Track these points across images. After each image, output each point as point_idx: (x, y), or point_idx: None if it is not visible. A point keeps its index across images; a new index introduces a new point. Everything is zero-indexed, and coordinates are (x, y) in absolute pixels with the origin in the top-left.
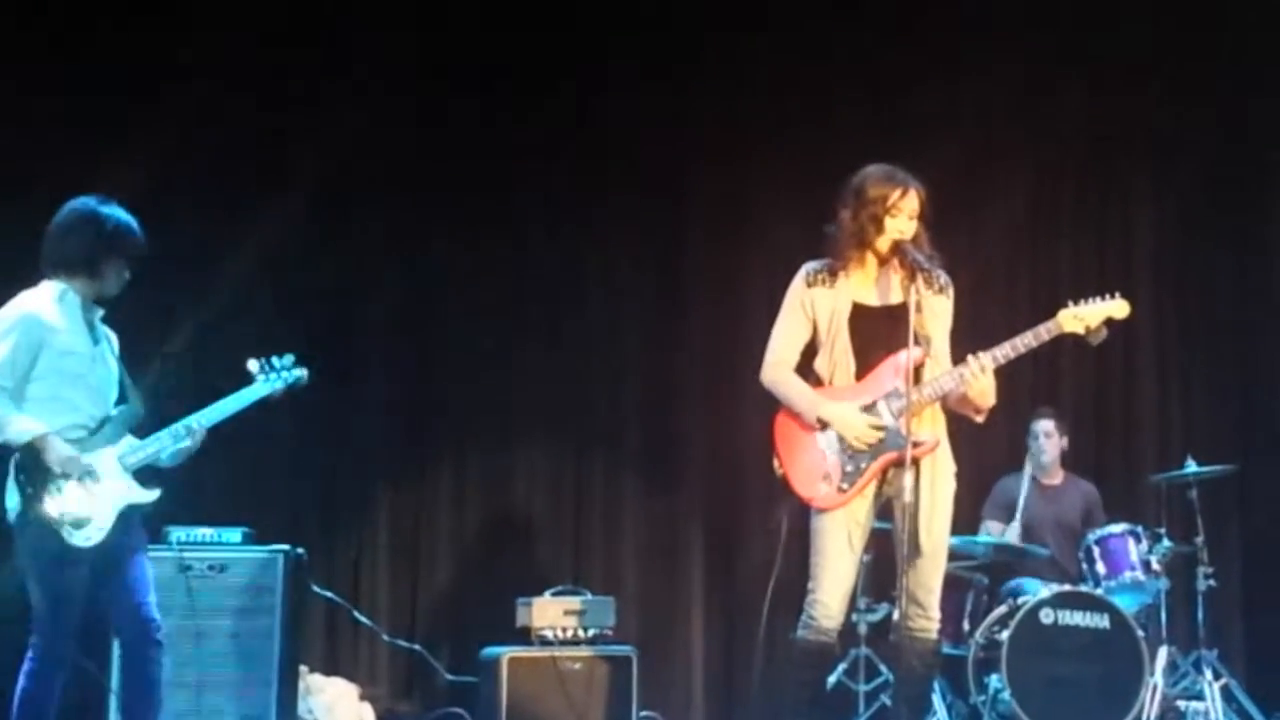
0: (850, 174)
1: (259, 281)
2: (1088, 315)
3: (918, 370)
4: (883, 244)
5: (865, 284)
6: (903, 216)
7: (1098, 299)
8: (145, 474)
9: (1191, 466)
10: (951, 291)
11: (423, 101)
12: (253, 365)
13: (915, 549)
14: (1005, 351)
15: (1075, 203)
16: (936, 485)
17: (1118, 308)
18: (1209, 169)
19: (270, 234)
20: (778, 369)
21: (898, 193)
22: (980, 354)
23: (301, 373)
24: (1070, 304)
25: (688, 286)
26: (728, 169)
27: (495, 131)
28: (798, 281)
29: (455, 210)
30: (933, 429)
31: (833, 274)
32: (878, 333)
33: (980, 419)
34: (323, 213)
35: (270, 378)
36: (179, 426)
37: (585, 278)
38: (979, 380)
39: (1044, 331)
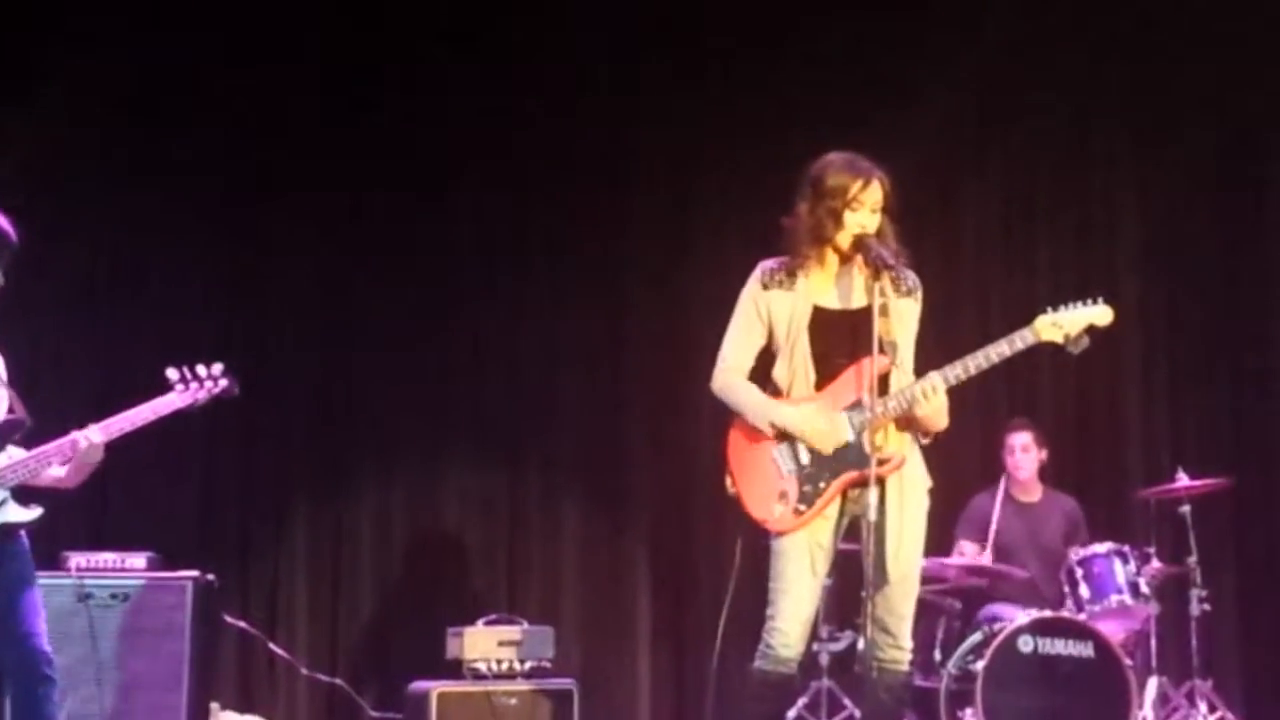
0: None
1: (169, 286)
2: (1068, 322)
3: (883, 380)
4: (843, 240)
5: (826, 285)
6: (864, 210)
7: (1078, 304)
8: (28, 493)
9: (1183, 480)
10: (920, 294)
11: (339, 103)
12: (172, 374)
13: (884, 573)
14: (959, 371)
15: (1053, 201)
16: (906, 504)
17: (1101, 314)
18: (1199, 163)
19: (180, 238)
20: (727, 374)
21: (859, 184)
22: (932, 373)
23: (229, 384)
24: (1049, 310)
25: (630, 293)
26: (671, 174)
27: (423, 131)
28: (753, 282)
29: (378, 214)
30: (899, 444)
31: (791, 274)
32: (840, 339)
33: (925, 441)
34: (235, 220)
35: (192, 388)
36: (65, 442)
37: (519, 284)
38: (929, 401)
39: (1019, 340)
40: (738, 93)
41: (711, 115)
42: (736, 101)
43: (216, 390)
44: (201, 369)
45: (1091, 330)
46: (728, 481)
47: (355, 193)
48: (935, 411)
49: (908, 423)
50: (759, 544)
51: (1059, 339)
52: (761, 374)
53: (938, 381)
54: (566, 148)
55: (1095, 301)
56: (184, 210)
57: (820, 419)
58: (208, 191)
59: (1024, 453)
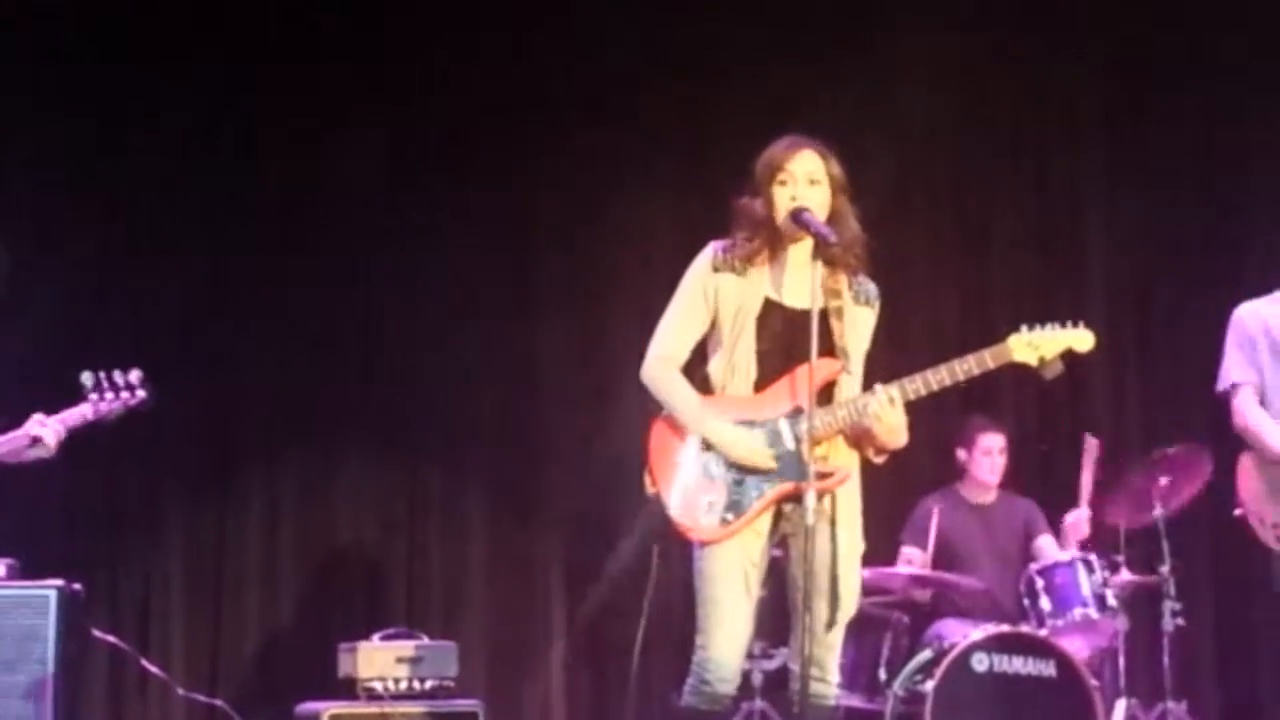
0: (732, 159)
1: (34, 278)
2: (1044, 343)
3: (831, 387)
4: (783, 223)
5: (781, 278)
6: (798, 183)
7: (1056, 325)
8: None
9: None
10: (878, 306)
11: (201, 106)
12: (86, 379)
13: (820, 602)
14: (918, 386)
15: (1012, 203)
16: (847, 526)
17: (1080, 339)
18: (1171, 156)
19: (46, 229)
20: (663, 365)
21: (788, 156)
22: (889, 385)
23: (145, 394)
24: (1024, 329)
25: (545, 280)
26: (588, 154)
27: (323, 118)
28: (702, 263)
29: (256, 192)
30: (846, 459)
31: (745, 259)
32: (788, 338)
33: (880, 459)
34: (101, 208)
35: (107, 398)
36: None
37: (417, 265)
38: (888, 415)
39: (989, 357)
40: (668, 68)
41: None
42: (661, 59)
43: (131, 402)
44: (119, 375)
45: (1068, 355)
46: (646, 480)
47: (235, 170)
48: (894, 427)
49: (859, 439)
50: (679, 551)
51: (1033, 360)
52: (691, 365)
53: (895, 394)
54: (476, 134)
55: (1075, 324)
56: (53, 199)
57: (758, 448)
58: (83, 179)
59: (1000, 455)
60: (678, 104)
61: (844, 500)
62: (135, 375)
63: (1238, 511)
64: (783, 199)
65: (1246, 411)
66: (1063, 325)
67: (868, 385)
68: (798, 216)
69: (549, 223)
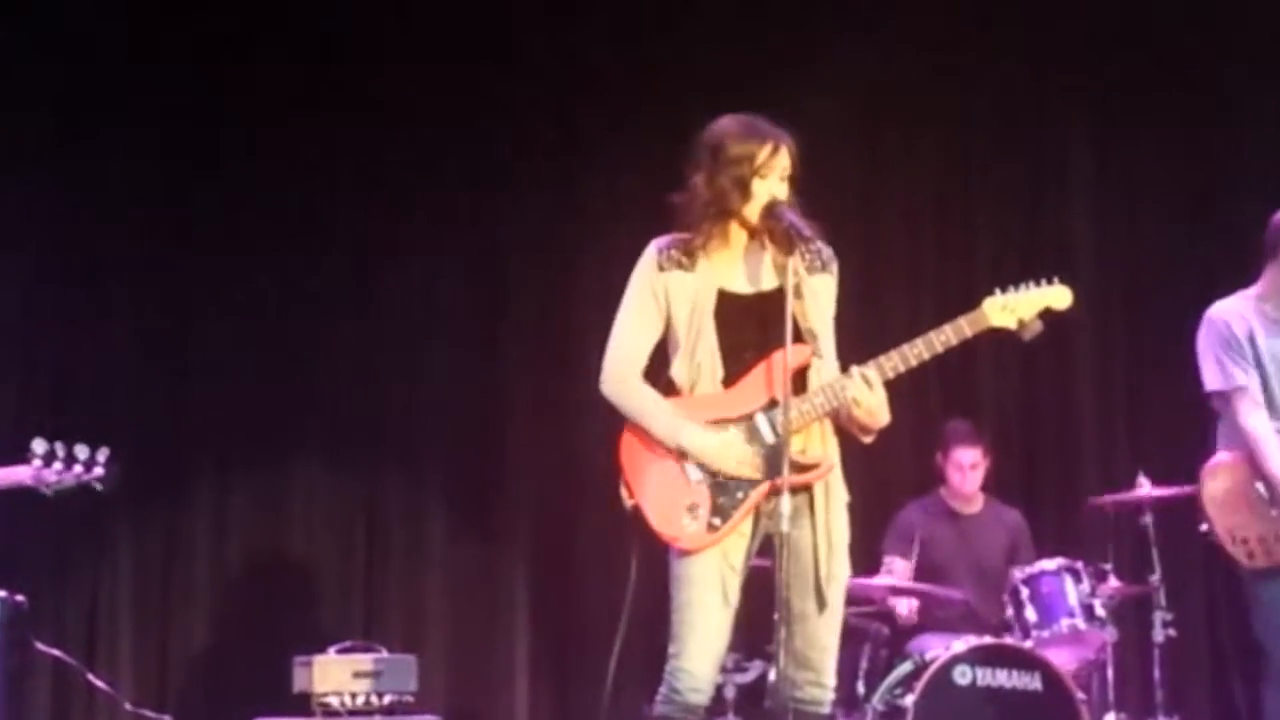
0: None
1: None
2: (1020, 305)
3: (802, 373)
4: (751, 211)
5: (731, 265)
6: (774, 176)
7: (1031, 285)
8: None
9: (1145, 487)
10: (836, 268)
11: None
12: (37, 447)
13: (819, 599)
14: (895, 363)
15: (996, 174)
16: (832, 519)
17: (1057, 295)
18: (1163, 132)
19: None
20: (623, 377)
21: (767, 149)
22: (865, 366)
23: (104, 475)
24: (998, 291)
25: (511, 284)
26: (556, 157)
27: (280, 119)
28: (646, 264)
29: (207, 188)
30: (825, 448)
31: (690, 254)
32: (750, 327)
33: (868, 439)
34: (51, 202)
35: (54, 468)
36: None
37: (377, 263)
38: (867, 397)
39: (965, 326)
40: (632, 47)
41: (602, 72)
42: (630, 56)
43: (86, 478)
44: (82, 449)
45: (1047, 314)
46: (624, 493)
47: (187, 174)
48: (876, 406)
49: (846, 422)
50: (658, 559)
51: (1011, 324)
52: (653, 370)
53: (872, 375)
54: (444, 133)
55: (1050, 282)
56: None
57: (742, 455)
58: (23, 177)
59: (972, 470)
60: (649, 100)
61: (824, 489)
62: (103, 453)
63: (1204, 527)
64: (760, 191)
65: (1249, 416)
66: (1038, 283)
67: (843, 359)
68: (774, 211)
69: (515, 227)
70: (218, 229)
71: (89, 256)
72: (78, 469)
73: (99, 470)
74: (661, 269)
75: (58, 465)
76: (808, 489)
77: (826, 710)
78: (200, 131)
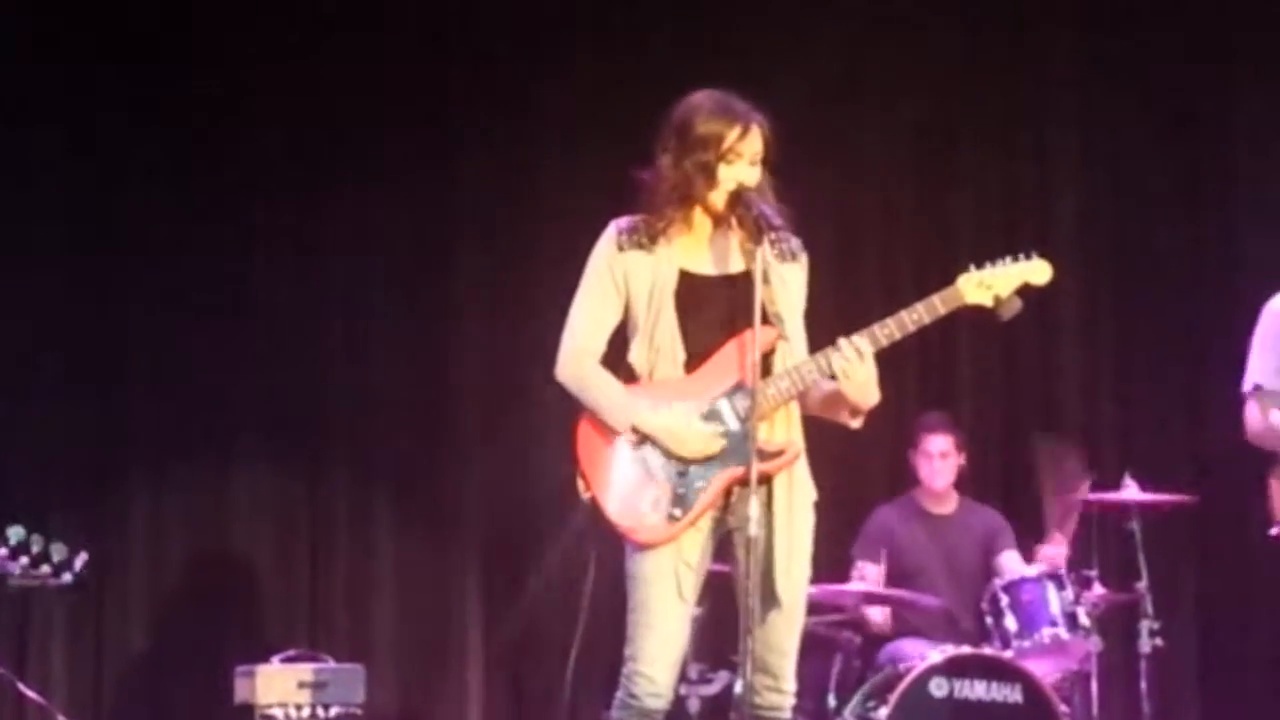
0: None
1: None
2: (997, 281)
3: (768, 357)
4: (717, 198)
5: (696, 247)
6: (743, 162)
7: (1008, 260)
8: None
9: (1132, 489)
10: (805, 260)
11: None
12: (12, 535)
13: (772, 598)
14: (888, 331)
15: (973, 151)
16: (795, 515)
17: (1036, 270)
18: (1155, 107)
19: None
20: (579, 361)
21: (735, 132)
22: (854, 335)
23: (71, 581)
24: (973, 268)
25: (461, 271)
26: (507, 139)
27: (224, 92)
28: (605, 244)
29: (159, 179)
30: (790, 434)
31: (652, 235)
32: (714, 310)
33: (857, 423)
34: None
35: (20, 562)
36: None
37: (323, 260)
38: (856, 370)
39: (939, 303)
40: (594, 23)
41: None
42: (591, 23)
43: (54, 583)
44: (59, 550)
45: (1025, 290)
46: (580, 485)
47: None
48: (865, 383)
49: (828, 403)
50: (618, 559)
51: (987, 301)
52: (612, 355)
53: (864, 344)
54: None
55: (1029, 257)
56: None
57: (692, 434)
58: None
59: (942, 459)
60: (603, 80)
61: (786, 482)
62: (80, 559)
63: (1274, 530)
64: (726, 177)
65: (1262, 413)
66: (1015, 258)
67: (815, 345)
68: (740, 199)
69: (465, 210)
70: (149, 220)
71: (10, 243)
72: (45, 570)
73: (67, 577)
74: (621, 249)
75: (23, 560)
76: (768, 481)
77: (786, 716)
78: (138, 110)
